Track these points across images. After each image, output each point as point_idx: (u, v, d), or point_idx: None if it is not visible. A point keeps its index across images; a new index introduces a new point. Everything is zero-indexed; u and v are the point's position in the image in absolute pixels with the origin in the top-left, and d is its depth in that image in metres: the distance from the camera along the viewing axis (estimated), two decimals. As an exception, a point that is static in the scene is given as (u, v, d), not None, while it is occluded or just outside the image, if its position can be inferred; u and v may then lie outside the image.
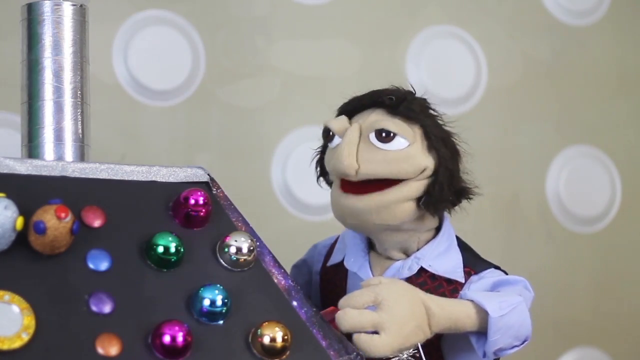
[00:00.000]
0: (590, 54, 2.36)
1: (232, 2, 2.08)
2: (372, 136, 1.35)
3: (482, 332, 1.33)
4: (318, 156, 1.47)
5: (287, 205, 2.10)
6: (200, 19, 2.04)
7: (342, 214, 1.39)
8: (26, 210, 1.11)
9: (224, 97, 2.06)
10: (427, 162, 1.36)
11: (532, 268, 2.18)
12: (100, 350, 1.09)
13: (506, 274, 1.41)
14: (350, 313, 1.26)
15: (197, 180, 1.30)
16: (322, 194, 2.12)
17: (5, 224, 1.09)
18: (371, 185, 1.36)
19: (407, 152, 1.35)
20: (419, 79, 2.12)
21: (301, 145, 2.10)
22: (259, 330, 1.17)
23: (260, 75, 2.10)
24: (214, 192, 1.31)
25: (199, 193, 1.24)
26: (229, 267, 1.23)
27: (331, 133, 1.39)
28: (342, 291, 1.43)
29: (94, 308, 1.12)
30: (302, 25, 2.13)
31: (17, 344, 1.05)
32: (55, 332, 1.08)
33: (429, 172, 1.36)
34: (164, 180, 1.28)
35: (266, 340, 1.16)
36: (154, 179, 1.28)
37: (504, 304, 1.31)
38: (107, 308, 1.13)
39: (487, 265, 1.41)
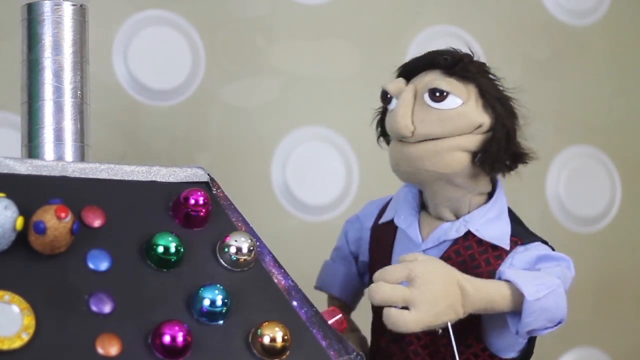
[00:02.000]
0: (590, 54, 2.36)
1: (232, 2, 2.08)
2: (426, 96, 1.37)
3: (517, 312, 1.33)
4: (378, 117, 1.48)
5: (287, 205, 2.09)
6: (200, 19, 2.04)
7: (397, 161, 1.40)
8: (26, 210, 1.11)
9: (224, 97, 2.06)
10: (483, 119, 1.37)
11: (532, 268, 2.18)
12: (100, 350, 1.09)
13: (553, 249, 1.42)
14: (383, 287, 1.28)
15: (197, 180, 1.30)
16: (322, 194, 2.13)
17: (5, 224, 1.09)
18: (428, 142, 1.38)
19: (461, 110, 1.36)
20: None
21: (301, 145, 2.11)
22: (259, 330, 1.17)
23: (260, 75, 2.10)
24: (214, 192, 1.31)
25: (199, 193, 1.24)
26: (229, 267, 1.23)
27: (389, 95, 1.41)
28: (389, 247, 1.46)
29: (94, 308, 1.12)
30: (302, 25, 2.13)
31: (17, 344, 1.05)
32: (55, 332, 1.08)
33: (485, 128, 1.37)
34: (164, 180, 1.28)
35: (266, 340, 1.16)
36: (154, 179, 1.28)
37: (541, 287, 1.32)
38: (107, 308, 1.13)
39: (535, 238, 1.42)
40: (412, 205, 1.46)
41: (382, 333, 1.46)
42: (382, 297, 1.28)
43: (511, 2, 2.31)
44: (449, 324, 1.30)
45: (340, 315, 1.28)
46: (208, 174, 1.31)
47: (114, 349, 1.10)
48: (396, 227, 1.46)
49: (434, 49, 1.45)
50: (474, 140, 1.38)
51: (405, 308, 1.28)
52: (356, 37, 2.16)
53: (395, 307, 1.28)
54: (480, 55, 2.25)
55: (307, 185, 2.10)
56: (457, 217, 1.42)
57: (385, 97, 1.42)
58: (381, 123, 1.48)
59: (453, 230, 1.40)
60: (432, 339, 1.40)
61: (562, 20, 2.35)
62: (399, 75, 1.44)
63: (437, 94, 1.36)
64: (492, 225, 1.41)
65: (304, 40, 2.13)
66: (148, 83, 2.00)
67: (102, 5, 1.85)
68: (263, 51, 2.09)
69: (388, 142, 1.47)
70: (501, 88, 1.41)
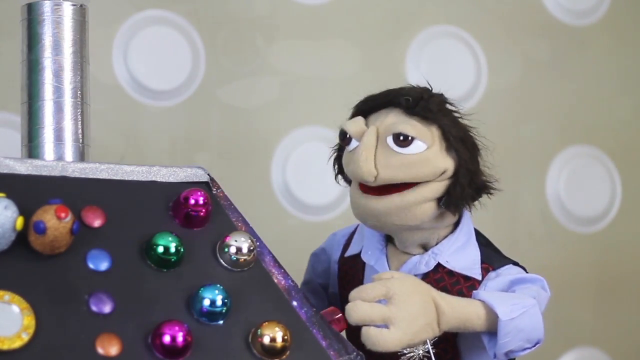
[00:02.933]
0: (590, 54, 2.36)
1: (232, 2, 2.08)
2: (390, 140, 1.33)
3: (493, 333, 1.32)
4: (335, 154, 1.45)
5: (287, 205, 2.10)
6: (200, 19, 2.05)
7: (362, 215, 1.38)
8: (26, 210, 1.11)
9: (224, 97, 2.06)
10: (447, 163, 1.34)
11: (532, 268, 2.18)
12: (100, 350, 1.09)
13: (525, 270, 1.40)
14: (360, 305, 1.25)
15: (197, 180, 1.30)
16: (322, 194, 2.13)
17: (5, 224, 1.09)
18: (391, 187, 1.35)
19: (425, 155, 1.33)
20: (418, 79, 2.12)
21: (301, 145, 2.11)
22: (259, 330, 1.17)
23: (260, 75, 2.10)
24: (214, 192, 1.31)
25: (199, 193, 1.24)
26: (229, 267, 1.23)
27: (348, 136, 1.37)
28: (359, 282, 1.43)
29: (94, 308, 1.12)
30: (302, 25, 2.13)
31: (17, 344, 1.05)
32: (55, 332, 1.08)
33: (449, 173, 1.35)
34: (164, 180, 1.28)
35: (266, 340, 1.16)
36: (154, 179, 1.28)
37: (515, 306, 1.30)
38: (107, 308, 1.13)
39: (506, 261, 1.40)
40: (378, 240, 1.44)
41: None
42: (361, 316, 1.25)
43: (511, 2, 2.31)
44: (429, 343, 1.29)
45: (340, 315, 1.28)
46: (208, 174, 1.31)
47: (114, 349, 1.10)
48: (364, 262, 1.44)
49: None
50: (439, 188, 1.35)
51: (384, 326, 1.26)
52: (356, 37, 2.16)
53: (373, 326, 1.26)
54: (479, 56, 2.26)
55: (307, 185, 2.10)
56: (426, 249, 1.40)
57: (344, 137, 1.38)
58: (337, 160, 1.45)
59: (422, 264, 1.39)
60: None
61: (562, 20, 2.35)
62: (355, 113, 1.40)
63: (402, 138, 1.32)
64: (461, 254, 1.39)
65: (304, 40, 2.13)
66: (148, 83, 2.01)
67: (102, 5, 1.86)
68: (263, 51, 2.09)
69: (345, 180, 1.44)
70: (461, 118, 1.38)
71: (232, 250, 1.23)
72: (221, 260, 1.23)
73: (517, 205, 2.26)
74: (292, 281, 1.27)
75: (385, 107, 1.37)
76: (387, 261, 1.42)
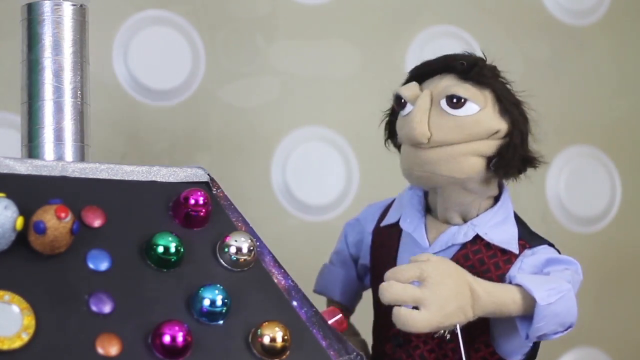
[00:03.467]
0: (590, 54, 2.36)
1: (232, 2, 2.08)
2: (444, 102, 1.35)
3: (527, 316, 1.33)
4: (387, 119, 1.47)
5: (287, 205, 2.09)
6: (200, 19, 2.04)
7: (410, 165, 1.39)
8: (26, 210, 1.11)
9: (224, 97, 2.06)
10: (500, 125, 1.36)
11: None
12: (100, 350, 1.09)
13: (559, 252, 1.42)
14: (394, 286, 1.27)
15: (197, 180, 1.30)
16: (322, 194, 2.13)
17: (5, 224, 1.09)
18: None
19: (478, 116, 1.35)
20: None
21: (301, 145, 2.10)
22: (259, 330, 1.17)
23: (260, 75, 2.10)
24: (214, 192, 1.31)
25: (199, 193, 1.24)
26: (229, 267, 1.23)
27: (402, 100, 1.39)
28: (393, 251, 1.45)
29: (94, 308, 1.12)
30: (302, 25, 2.13)
31: (17, 344, 1.05)
32: (55, 332, 1.08)
33: (501, 134, 1.37)
34: (164, 180, 1.28)
35: (266, 340, 1.16)
36: (154, 179, 1.28)
37: (552, 291, 1.31)
38: (107, 308, 1.13)
39: (542, 241, 1.42)
40: (418, 209, 1.45)
41: (386, 338, 1.45)
42: (393, 296, 1.27)
43: (511, 2, 2.31)
44: (458, 327, 1.30)
45: (341, 315, 1.28)
46: (208, 174, 1.31)
47: (114, 349, 1.10)
48: (400, 231, 1.45)
49: (446, 52, 1.44)
50: (490, 146, 1.37)
51: (416, 308, 1.28)
52: (356, 37, 2.16)
53: (405, 306, 1.28)
54: (480, 55, 2.26)
55: (307, 185, 2.10)
56: (465, 221, 1.41)
57: (400, 102, 1.40)
58: (389, 126, 1.46)
59: (461, 234, 1.40)
60: (439, 343, 1.39)
61: (562, 20, 2.35)
62: (410, 79, 1.42)
63: (455, 100, 1.35)
64: (499, 229, 1.40)
65: (304, 40, 2.13)
66: (148, 83, 2.00)
67: (102, 5, 1.86)
68: (263, 51, 2.09)
69: (395, 145, 1.46)
70: (514, 92, 1.40)
71: (232, 250, 1.23)
72: (221, 260, 1.23)
73: (517, 205, 2.26)
74: (292, 281, 1.27)
75: (440, 72, 1.39)
76: (426, 230, 1.43)
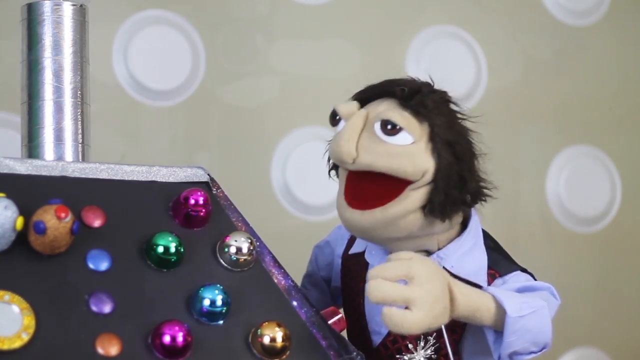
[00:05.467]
0: (590, 54, 2.37)
1: (232, 2, 2.08)
2: (377, 126, 1.28)
3: (499, 332, 1.28)
4: (330, 147, 1.40)
5: (287, 205, 2.10)
6: (200, 19, 2.05)
7: (349, 228, 1.35)
8: (26, 210, 1.11)
9: (224, 97, 2.06)
10: (429, 164, 1.29)
11: (532, 268, 2.18)
12: (100, 350, 1.09)
13: (534, 277, 1.37)
14: (382, 284, 1.20)
15: (197, 180, 1.30)
16: (322, 194, 2.13)
17: (5, 224, 1.09)
18: (372, 197, 1.31)
19: (410, 149, 1.28)
20: (421, 76, 2.12)
21: (301, 145, 2.11)
22: (259, 330, 1.17)
23: (260, 75, 2.10)
24: (214, 192, 1.31)
25: (199, 193, 1.24)
26: (229, 267, 1.23)
27: (337, 117, 1.33)
28: (362, 282, 1.38)
29: (94, 308, 1.12)
30: (302, 25, 2.13)
31: (17, 344, 1.05)
32: (55, 332, 1.08)
33: (429, 176, 1.29)
34: (164, 180, 1.28)
35: (266, 340, 1.16)
36: (154, 179, 1.28)
37: (524, 305, 1.27)
38: (107, 308, 1.13)
39: (514, 267, 1.36)
40: None
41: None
42: (382, 295, 1.20)
43: (511, 2, 2.31)
44: (443, 328, 1.27)
45: (341, 315, 1.28)
46: (208, 174, 1.31)
47: (114, 349, 1.10)
48: (367, 263, 1.41)
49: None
50: (420, 196, 1.30)
51: (405, 308, 1.23)
52: (356, 37, 2.16)
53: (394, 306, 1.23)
54: (479, 56, 2.26)
55: (307, 185, 2.10)
56: (430, 253, 1.36)
57: (334, 118, 1.34)
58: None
59: None
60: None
61: (562, 20, 2.35)
62: (353, 100, 1.36)
63: (390, 126, 1.28)
64: (467, 259, 1.35)
65: (304, 40, 2.13)
66: (148, 83, 2.01)
67: (102, 5, 1.86)
68: (263, 51, 2.09)
69: (338, 176, 1.39)
70: (461, 120, 1.33)
71: (232, 250, 1.23)
72: (221, 260, 1.23)
73: (517, 205, 2.26)
74: (292, 281, 1.27)
75: (382, 96, 1.34)
76: None
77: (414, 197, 1.30)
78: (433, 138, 1.29)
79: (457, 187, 1.30)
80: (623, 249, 2.38)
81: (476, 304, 1.27)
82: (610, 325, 2.35)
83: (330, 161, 1.39)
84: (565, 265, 2.31)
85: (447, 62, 2.24)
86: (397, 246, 1.34)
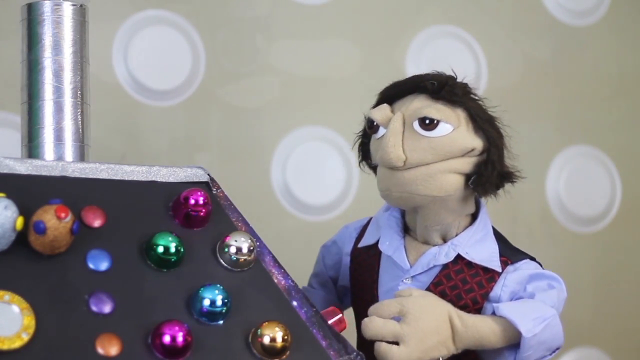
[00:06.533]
0: (590, 54, 2.37)
1: (232, 2, 2.08)
2: (416, 124, 1.35)
3: (514, 345, 1.35)
4: (359, 140, 1.46)
5: (287, 205, 2.10)
6: (200, 19, 2.05)
7: (388, 186, 1.38)
8: (26, 210, 1.11)
9: (224, 97, 2.06)
10: (475, 143, 1.36)
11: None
12: (100, 350, 1.09)
13: (541, 266, 1.42)
14: (375, 321, 1.31)
15: (197, 180, 1.30)
16: (322, 194, 2.13)
17: (5, 224, 1.09)
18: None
19: (452, 136, 1.35)
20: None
21: (301, 145, 2.11)
22: (259, 330, 1.17)
23: (260, 75, 2.10)
24: (214, 192, 1.31)
25: (199, 193, 1.24)
26: (229, 267, 1.23)
27: (375, 123, 1.39)
28: (374, 273, 1.45)
29: (94, 308, 1.12)
30: (302, 25, 2.13)
31: (17, 344, 1.05)
32: (55, 332, 1.08)
33: (477, 152, 1.36)
34: (164, 180, 1.28)
35: (266, 340, 1.16)
36: (154, 179, 1.28)
37: (537, 320, 1.33)
38: (107, 308, 1.13)
39: (523, 256, 1.42)
40: (396, 230, 1.44)
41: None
42: (373, 332, 1.31)
43: (511, 2, 2.31)
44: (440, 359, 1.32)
45: (341, 315, 1.28)
46: (208, 174, 1.31)
47: (114, 349, 1.10)
48: (380, 252, 1.45)
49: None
50: (467, 163, 1.36)
51: (396, 344, 1.30)
52: (356, 37, 2.16)
53: (385, 341, 1.31)
54: (479, 56, 2.26)
55: (307, 185, 2.10)
56: (445, 241, 1.41)
57: (372, 125, 1.39)
58: (362, 147, 1.46)
59: (442, 255, 1.39)
60: None
61: (562, 20, 2.35)
62: (381, 100, 1.41)
63: (428, 122, 1.34)
64: (480, 247, 1.40)
65: (304, 40, 2.13)
66: (148, 83, 2.01)
67: (102, 5, 1.86)
68: (263, 51, 2.09)
69: (370, 166, 1.46)
70: (487, 109, 1.39)
71: (232, 250, 1.23)
72: (221, 260, 1.23)
73: (517, 205, 2.26)
74: (292, 281, 1.27)
75: (411, 92, 1.39)
76: (406, 251, 1.42)
77: (461, 162, 1.36)
78: (472, 118, 1.36)
79: (501, 164, 1.37)
80: (623, 249, 2.38)
81: (480, 333, 1.34)
82: (610, 325, 2.35)
83: (360, 153, 1.46)
84: (565, 265, 2.31)
85: (447, 62, 2.23)
86: (427, 214, 1.38)
